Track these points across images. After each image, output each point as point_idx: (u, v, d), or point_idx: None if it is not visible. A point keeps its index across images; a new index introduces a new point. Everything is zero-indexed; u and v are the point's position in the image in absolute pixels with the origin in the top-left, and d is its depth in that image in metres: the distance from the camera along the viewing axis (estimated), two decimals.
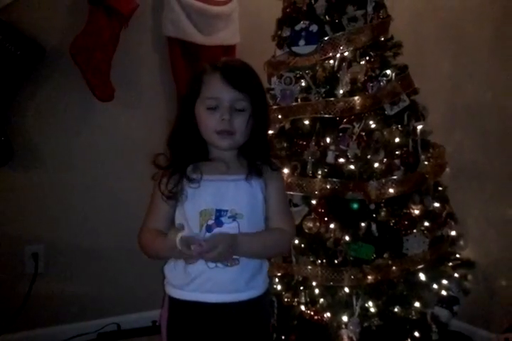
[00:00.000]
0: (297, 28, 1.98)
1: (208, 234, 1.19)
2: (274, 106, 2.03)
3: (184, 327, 1.26)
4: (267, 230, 1.27)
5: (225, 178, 1.24)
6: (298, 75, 2.01)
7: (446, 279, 1.97)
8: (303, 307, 1.89)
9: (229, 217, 1.21)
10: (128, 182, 2.25)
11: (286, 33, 2.03)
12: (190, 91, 1.24)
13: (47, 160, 2.17)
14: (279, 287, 1.95)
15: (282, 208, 1.31)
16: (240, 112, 1.20)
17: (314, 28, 1.94)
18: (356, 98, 1.89)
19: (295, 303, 1.91)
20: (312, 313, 1.85)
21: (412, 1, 2.50)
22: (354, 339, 1.79)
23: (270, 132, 2.02)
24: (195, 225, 1.21)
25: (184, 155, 1.24)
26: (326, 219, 1.88)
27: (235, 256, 1.21)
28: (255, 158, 1.26)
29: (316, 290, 1.87)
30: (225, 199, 1.22)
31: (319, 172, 1.90)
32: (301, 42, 1.96)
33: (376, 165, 1.90)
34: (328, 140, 1.93)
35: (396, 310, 1.86)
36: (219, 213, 1.21)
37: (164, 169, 1.25)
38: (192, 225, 1.21)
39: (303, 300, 1.90)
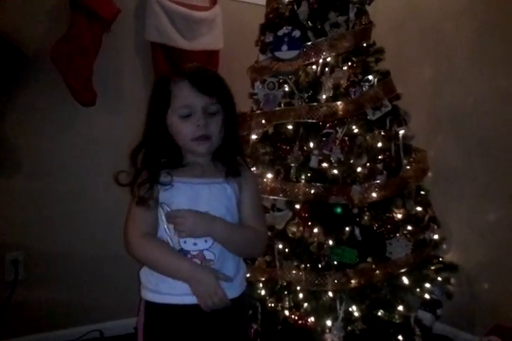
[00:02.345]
0: (280, 33, 1.98)
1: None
2: (258, 111, 2.03)
3: (161, 331, 1.24)
4: (244, 225, 1.29)
5: (199, 181, 1.24)
6: (281, 80, 2.02)
7: (430, 283, 1.98)
8: (287, 312, 1.88)
9: None
10: (108, 188, 2.21)
11: (269, 38, 2.03)
12: (158, 104, 1.24)
13: (27, 167, 2.14)
14: (263, 292, 1.94)
15: (255, 210, 1.32)
16: (213, 116, 1.22)
17: (297, 33, 1.95)
18: (339, 103, 1.90)
19: (279, 308, 1.90)
20: (296, 318, 1.85)
21: (394, 8, 2.54)
22: None
23: (254, 137, 2.03)
24: (170, 227, 1.22)
25: (156, 163, 1.24)
26: (309, 223, 1.88)
27: (209, 258, 1.22)
28: (230, 160, 1.28)
29: (300, 295, 1.87)
30: (200, 201, 1.22)
31: (303, 176, 1.90)
32: (284, 47, 1.96)
33: (359, 169, 1.91)
34: (311, 144, 1.93)
35: (380, 313, 1.86)
36: None
37: (127, 185, 1.24)
38: (168, 227, 1.22)
39: (287, 304, 1.89)
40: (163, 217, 1.22)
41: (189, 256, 1.21)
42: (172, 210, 1.22)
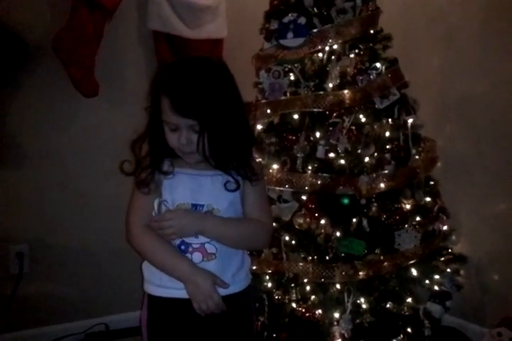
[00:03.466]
0: (285, 20, 1.94)
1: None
2: (263, 101, 2.00)
3: (165, 325, 1.23)
4: (244, 218, 1.27)
5: (202, 173, 1.22)
6: (286, 69, 1.98)
7: (439, 274, 1.97)
8: (294, 305, 1.87)
9: (205, 212, 1.20)
10: (113, 180, 2.19)
11: (274, 25, 1.99)
12: (153, 105, 1.19)
13: (30, 159, 2.13)
14: (269, 284, 1.92)
15: (259, 202, 1.29)
16: (197, 133, 1.14)
17: (302, 20, 1.91)
18: (346, 91, 1.87)
19: (286, 301, 1.89)
20: (303, 310, 1.83)
21: None
22: (346, 336, 1.77)
23: (259, 127, 2.00)
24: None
25: (159, 151, 1.22)
26: (316, 214, 1.86)
27: (211, 251, 1.20)
28: (232, 167, 1.22)
29: (307, 287, 1.86)
30: (202, 193, 1.20)
31: (309, 167, 1.88)
32: (290, 34, 1.93)
33: (367, 159, 1.88)
34: (317, 134, 1.91)
35: (388, 306, 1.85)
36: (195, 207, 1.20)
37: (130, 174, 1.23)
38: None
39: (294, 297, 1.88)
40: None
41: (190, 249, 1.20)
42: (157, 215, 1.20)
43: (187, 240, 1.20)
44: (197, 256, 1.20)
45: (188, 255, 1.20)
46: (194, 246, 1.20)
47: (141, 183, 1.20)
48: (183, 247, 1.20)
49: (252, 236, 1.26)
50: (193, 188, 1.20)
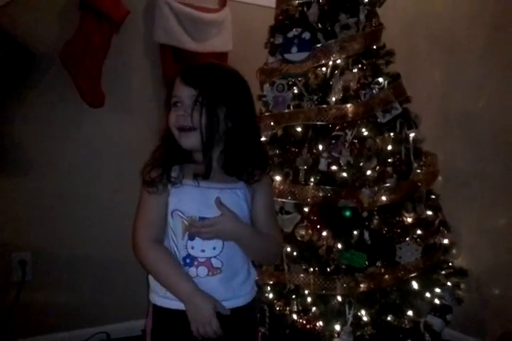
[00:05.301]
0: (290, 35, 1.98)
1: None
2: (267, 113, 2.03)
3: (169, 336, 1.22)
4: (263, 233, 1.27)
5: (210, 186, 1.21)
6: (290, 82, 2.01)
7: (439, 288, 1.96)
8: (295, 316, 1.87)
9: None
10: (118, 189, 2.23)
11: (278, 40, 2.03)
12: (167, 95, 1.25)
13: (35, 167, 2.14)
14: (270, 295, 1.93)
15: (271, 217, 1.30)
16: (199, 107, 1.17)
17: (307, 35, 1.95)
18: (349, 105, 1.89)
19: (287, 312, 1.89)
20: (304, 322, 1.84)
21: (404, 10, 2.52)
22: None
23: (263, 139, 2.02)
24: (178, 232, 1.19)
25: (170, 155, 1.23)
26: (318, 226, 1.87)
27: (216, 266, 1.19)
28: (241, 167, 1.23)
29: (309, 299, 1.86)
30: (209, 206, 1.19)
31: (312, 179, 1.90)
32: (294, 49, 1.96)
33: (369, 172, 1.90)
34: (320, 147, 1.93)
35: (389, 318, 1.85)
36: (202, 221, 1.18)
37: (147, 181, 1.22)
38: (176, 231, 1.19)
39: (295, 308, 1.88)
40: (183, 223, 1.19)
41: (196, 263, 1.18)
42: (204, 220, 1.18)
43: (193, 254, 1.18)
44: (202, 271, 1.18)
45: (193, 269, 1.18)
46: (200, 260, 1.19)
47: (150, 182, 1.18)
48: (188, 261, 1.19)
49: (270, 251, 1.29)
50: (201, 201, 1.19)
